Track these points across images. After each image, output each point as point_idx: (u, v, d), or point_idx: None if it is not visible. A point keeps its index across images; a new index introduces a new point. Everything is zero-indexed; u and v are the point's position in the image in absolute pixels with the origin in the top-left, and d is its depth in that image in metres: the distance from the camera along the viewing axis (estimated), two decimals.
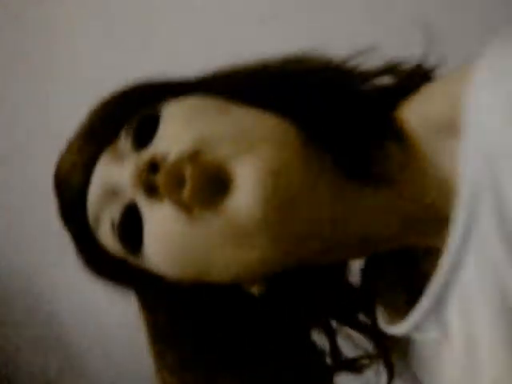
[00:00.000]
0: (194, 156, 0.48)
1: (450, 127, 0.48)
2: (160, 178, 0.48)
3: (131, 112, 0.54)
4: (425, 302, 0.52)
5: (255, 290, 0.56)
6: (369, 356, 0.61)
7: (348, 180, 0.51)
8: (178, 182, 0.48)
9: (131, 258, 0.54)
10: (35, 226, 1.27)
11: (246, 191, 0.47)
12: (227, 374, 0.58)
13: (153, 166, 0.49)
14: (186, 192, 0.47)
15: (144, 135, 0.52)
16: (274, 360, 0.59)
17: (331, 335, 0.62)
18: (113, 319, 1.22)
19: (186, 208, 0.48)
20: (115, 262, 0.56)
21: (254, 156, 0.47)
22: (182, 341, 0.58)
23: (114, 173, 0.52)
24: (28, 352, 1.37)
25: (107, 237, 0.54)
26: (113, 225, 0.53)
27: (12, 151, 1.28)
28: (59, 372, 1.37)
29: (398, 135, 0.52)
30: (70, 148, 0.57)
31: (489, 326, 0.49)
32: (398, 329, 0.56)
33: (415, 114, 0.52)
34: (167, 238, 0.50)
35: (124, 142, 0.53)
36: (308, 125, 0.52)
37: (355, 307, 0.62)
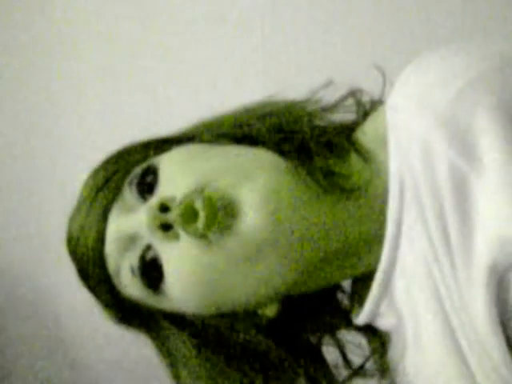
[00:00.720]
0: (201, 191, 0.55)
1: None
2: (174, 214, 0.55)
3: (129, 169, 0.61)
4: (374, 288, 0.59)
5: (270, 311, 0.63)
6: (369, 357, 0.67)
7: (329, 194, 0.58)
8: (190, 215, 0.54)
9: (153, 300, 0.60)
10: (36, 228, 1.31)
11: (253, 211, 0.54)
12: None
13: (163, 208, 0.55)
14: (201, 222, 0.54)
15: (146, 186, 0.59)
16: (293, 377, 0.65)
17: (340, 346, 0.68)
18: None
19: (202, 236, 0.54)
20: (138, 309, 0.61)
21: (252, 181, 0.55)
22: (201, 369, 0.63)
23: (127, 223, 0.58)
24: (28, 353, 1.40)
25: (128, 283, 0.59)
26: (132, 270, 0.58)
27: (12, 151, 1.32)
28: (59, 373, 1.40)
29: (357, 151, 0.61)
30: (79, 210, 0.61)
31: (425, 311, 0.56)
32: (360, 318, 0.62)
33: (367, 132, 0.62)
34: (189, 269, 0.56)
35: (129, 195, 0.60)
36: (284, 153, 0.60)
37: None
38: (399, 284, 0.58)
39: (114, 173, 0.61)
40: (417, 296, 0.57)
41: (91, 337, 1.34)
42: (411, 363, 0.61)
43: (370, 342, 0.67)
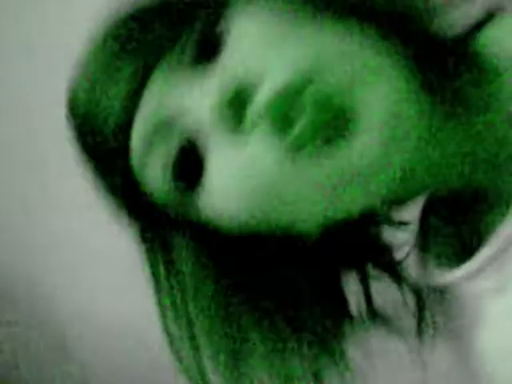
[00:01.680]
0: (302, 86, 0.39)
1: None
2: (258, 112, 0.40)
3: (181, 21, 0.43)
4: (488, 249, 0.47)
5: (309, 236, 0.47)
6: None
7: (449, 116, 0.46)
8: (283, 118, 0.39)
9: (180, 201, 0.45)
10: (38, 228, 1.24)
11: (367, 132, 0.40)
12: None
13: (239, 98, 0.40)
14: (299, 129, 0.39)
15: (208, 52, 0.42)
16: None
17: (365, 280, 0.54)
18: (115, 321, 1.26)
19: (294, 147, 0.40)
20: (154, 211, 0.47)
21: (371, 90, 0.40)
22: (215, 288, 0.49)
23: (176, 99, 0.43)
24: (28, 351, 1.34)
25: (156, 176, 0.45)
26: (166, 164, 0.44)
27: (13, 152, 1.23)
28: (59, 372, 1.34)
29: (475, 64, 0.47)
30: (98, 67, 0.44)
31: None
32: (449, 275, 0.51)
33: (491, 43, 0.48)
34: (254, 177, 0.42)
35: (178, 59, 0.43)
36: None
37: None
38: None
39: (161, 21, 0.43)
40: None
41: (94, 337, 1.29)
42: (495, 345, 0.49)
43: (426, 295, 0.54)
